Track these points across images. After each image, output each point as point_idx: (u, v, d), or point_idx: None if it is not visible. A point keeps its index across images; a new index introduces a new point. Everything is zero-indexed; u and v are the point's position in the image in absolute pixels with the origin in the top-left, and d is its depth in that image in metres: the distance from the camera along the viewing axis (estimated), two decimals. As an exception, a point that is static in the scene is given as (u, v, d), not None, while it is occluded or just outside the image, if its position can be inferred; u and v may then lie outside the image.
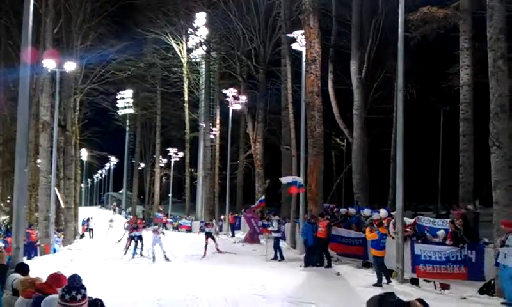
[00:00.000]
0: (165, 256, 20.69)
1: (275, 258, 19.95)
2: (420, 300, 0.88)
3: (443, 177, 35.06)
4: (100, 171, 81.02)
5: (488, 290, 13.18)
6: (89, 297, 4.05)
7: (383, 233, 15.37)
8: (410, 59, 24.25)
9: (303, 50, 22.34)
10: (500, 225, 12.62)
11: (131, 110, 56.80)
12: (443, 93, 30.20)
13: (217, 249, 22.53)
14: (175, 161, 51.81)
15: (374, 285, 14.38)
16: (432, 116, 36.71)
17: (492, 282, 13.19)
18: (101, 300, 4.33)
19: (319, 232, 17.77)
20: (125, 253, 22.35)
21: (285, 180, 22.32)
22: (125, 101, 56.57)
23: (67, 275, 4.34)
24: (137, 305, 11.21)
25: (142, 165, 57.26)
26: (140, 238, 22.56)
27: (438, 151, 36.52)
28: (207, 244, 22.06)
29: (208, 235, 22.69)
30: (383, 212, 18.19)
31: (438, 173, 36.23)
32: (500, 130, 13.15)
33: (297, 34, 22.73)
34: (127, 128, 59.97)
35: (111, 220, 42.19)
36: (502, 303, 12.02)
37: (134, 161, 58.99)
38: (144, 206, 56.90)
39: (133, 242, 22.46)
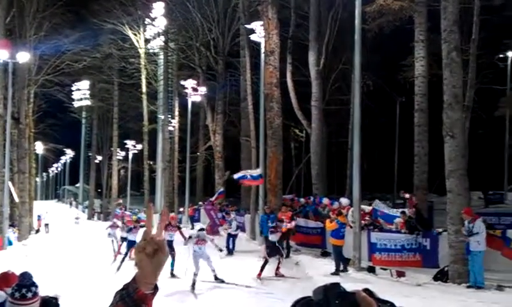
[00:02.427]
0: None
1: (229, 253, 19.59)
2: (366, 290, 0.87)
3: (399, 167, 35.79)
4: (55, 165, 79.11)
5: (441, 276, 13.57)
6: (45, 296, 3.93)
7: (343, 223, 15.60)
8: (367, 51, 24.64)
9: (262, 41, 22.33)
10: (461, 213, 13.03)
11: (87, 102, 55.57)
12: (399, 84, 30.79)
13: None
14: (133, 154, 51.08)
15: (332, 274, 14.58)
16: (388, 107, 37.36)
17: (446, 269, 13.58)
18: (56, 299, 4.20)
19: (285, 228, 17.82)
20: (114, 260, 18.08)
21: (236, 175, 22.40)
22: (81, 92, 55.29)
23: (24, 273, 4.21)
24: (96, 302, 11.00)
25: (99, 158, 56.19)
26: (134, 244, 16.16)
27: (395, 142, 37.25)
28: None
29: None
30: (344, 201, 18.47)
31: (394, 163, 36.96)
32: (454, 120, 13.49)
33: (256, 25, 22.70)
34: (83, 121, 58.70)
35: (77, 218, 41.37)
36: (468, 286, 12.43)
37: (90, 154, 57.81)
38: (101, 199, 55.93)
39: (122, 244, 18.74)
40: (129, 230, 18.24)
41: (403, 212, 16.06)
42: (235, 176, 22.67)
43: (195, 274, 13.27)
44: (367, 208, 17.89)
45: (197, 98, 35.92)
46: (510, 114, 27.88)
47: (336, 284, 1.01)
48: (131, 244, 16.70)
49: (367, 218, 16.65)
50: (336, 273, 14.72)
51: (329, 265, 15.80)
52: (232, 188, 33.90)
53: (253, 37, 23.18)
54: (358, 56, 15.74)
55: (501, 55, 29.63)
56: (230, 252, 19.70)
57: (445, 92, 13.64)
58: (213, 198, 29.96)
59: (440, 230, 15.21)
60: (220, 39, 36.29)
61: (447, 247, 13.56)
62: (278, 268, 14.71)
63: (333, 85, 30.50)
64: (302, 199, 22.12)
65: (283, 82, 26.94)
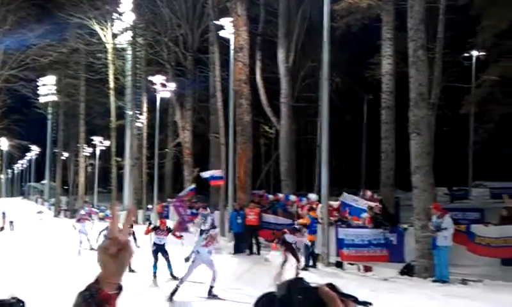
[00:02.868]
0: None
1: None
2: (329, 285, 0.88)
3: (367, 163, 36.26)
4: (21, 161, 77.42)
5: (408, 271, 13.81)
6: (11, 298, 3.83)
7: (315, 217, 15.72)
8: (335, 49, 24.81)
9: (231, 37, 22.28)
10: (426, 208, 13.29)
11: (53, 98, 54.45)
12: (367, 82, 31.15)
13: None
14: (101, 150, 50.34)
15: (302, 269, 14.68)
16: (356, 104, 37.80)
17: (412, 263, 13.83)
18: (23, 302, 4.08)
19: (251, 220, 17.89)
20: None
21: (204, 174, 22.39)
22: (47, 88, 54.09)
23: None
24: (64, 303, 10.80)
25: (66, 154, 55.24)
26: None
27: (362, 139, 37.73)
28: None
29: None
30: (312, 197, 18.61)
31: (362, 160, 37.44)
32: (419, 117, 13.73)
33: (225, 21, 22.63)
34: (49, 117, 57.52)
35: (39, 212, 40.37)
36: (434, 281, 12.67)
37: (57, 150, 56.73)
38: (68, 196, 55.00)
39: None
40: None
41: (370, 207, 16.30)
42: (203, 175, 22.60)
43: (182, 281, 11.38)
44: (335, 204, 18.09)
45: (166, 94, 35.59)
46: (474, 111, 28.50)
47: (300, 279, 1.01)
48: None
49: (335, 214, 16.84)
50: (306, 268, 14.83)
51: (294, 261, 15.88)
52: (202, 185, 33.79)
53: (222, 33, 23.10)
54: (327, 54, 15.85)
55: (466, 54, 30.26)
56: None
57: (411, 90, 13.87)
58: (182, 194, 29.77)
59: (406, 226, 15.49)
60: (189, 35, 36.07)
61: (413, 242, 13.82)
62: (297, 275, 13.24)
63: (302, 82, 30.67)
64: (271, 196, 22.20)
65: (253, 78, 26.95)
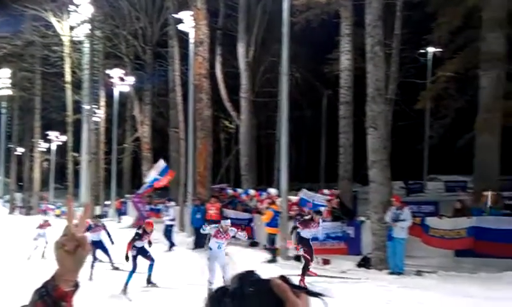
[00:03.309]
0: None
1: (171, 246, 18.61)
2: (282, 277, 0.88)
3: (326, 158, 36.67)
4: (-27, 157, 75.02)
5: (365, 263, 14.05)
6: None
7: (277, 211, 15.80)
8: (295, 44, 24.95)
9: (191, 31, 22.10)
10: (383, 202, 13.55)
11: (8, 92, 52.92)
12: (326, 77, 31.42)
13: None
14: (57, 145, 49.21)
15: (269, 261, 14.74)
16: (316, 99, 38.12)
17: (368, 256, 14.08)
18: None
19: (212, 214, 17.83)
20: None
21: (142, 189, 22.20)
22: (1, 81, 52.49)
23: None
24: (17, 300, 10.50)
25: (21, 150, 53.76)
26: (99, 244, 13.67)
27: (321, 133, 38.12)
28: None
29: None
30: (272, 191, 18.71)
31: (321, 154, 37.85)
32: (377, 112, 13.95)
33: (185, 15, 22.42)
34: (4, 111, 55.85)
35: None
36: (390, 272, 12.92)
37: (11, 146, 55.17)
38: (23, 193, 53.59)
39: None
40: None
41: (328, 200, 16.53)
42: (140, 191, 22.36)
43: (210, 283, 10.13)
44: (295, 199, 18.23)
45: (124, 88, 35.06)
46: (430, 107, 29.17)
47: (251, 272, 1.01)
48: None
49: (294, 207, 16.96)
50: (271, 261, 14.91)
51: (258, 255, 15.94)
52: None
53: (181, 27, 22.88)
54: (286, 49, 15.91)
55: (422, 51, 30.93)
56: (172, 244, 18.97)
57: (369, 85, 14.07)
58: (141, 191, 29.44)
59: (363, 219, 15.74)
60: (148, 28, 35.60)
61: (370, 235, 14.06)
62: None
63: (262, 77, 30.73)
64: (230, 191, 22.19)
65: (213, 73, 26.84)
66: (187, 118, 22.95)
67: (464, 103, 23.00)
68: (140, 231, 11.93)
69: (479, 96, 18.87)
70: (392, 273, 12.98)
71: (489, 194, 14.66)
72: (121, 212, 32.39)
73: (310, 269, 12.21)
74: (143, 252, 11.89)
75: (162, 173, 20.90)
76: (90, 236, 13.00)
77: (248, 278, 0.99)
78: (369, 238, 14.16)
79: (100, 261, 13.51)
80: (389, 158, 14.47)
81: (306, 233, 12.10)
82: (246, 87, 27.47)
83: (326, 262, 15.14)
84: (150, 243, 12.21)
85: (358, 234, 14.95)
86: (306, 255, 11.87)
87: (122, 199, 33.71)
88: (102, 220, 15.05)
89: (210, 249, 10.71)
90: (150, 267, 11.83)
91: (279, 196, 17.10)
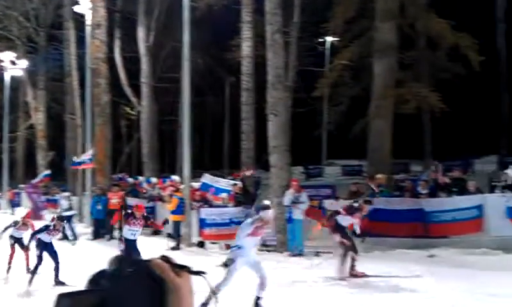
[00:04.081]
0: None
1: (74, 239, 17.99)
2: (163, 257, 0.88)
3: (229, 144, 36.94)
4: None
5: (266, 246, 14.37)
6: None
7: (182, 198, 15.70)
8: (197, 29, 24.74)
9: (87, 13, 21.23)
10: (283, 186, 13.90)
11: None
12: (228, 64, 31.55)
13: None
14: None
15: (169, 249, 14.62)
16: (219, 85, 38.20)
17: (270, 239, 14.41)
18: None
19: (114, 204, 17.35)
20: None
21: (75, 160, 21.21)
22: None
23: None
24: None
25: None
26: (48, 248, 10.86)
27: (224, 120, 38.32)
28: None
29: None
30: (176, 178, 18.57)
31: (224, 141, 38.06)
32: (277, 99, 14.25)
33: (81, -4, 21.49)
34: None
35: None
36: (291, 255, 13.30)
37: None
38: None
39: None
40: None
41: (235, 185, 16.71)
42: (35, 180, 21.31)
43: (218, 289, 7.72)
44: (198, 185, 18.23)
45: (16, 72, 33.02)
46: (327, 94, 30.25)
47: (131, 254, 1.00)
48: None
49: (198, 193, 16.96)
50: (177, 248, 14.82)
51: (162, 242, 15.78)
52: (58, 169, 32.05)
53: (77, 8, 21.89)
54: (187, 34, 15.76)
55: (321, 40, 31.93)
56: (75, 237, 17.91)
57: (269, 72, 14.33)
58: (36, 181, 28.02)
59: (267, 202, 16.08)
60: (41, 9, 33.68)
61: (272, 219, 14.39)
62: (353, 267, 10.75)
63: (163, 62, 30.25)
64: (130, 179, 21.73)
65: (111, 57, 26.01)
66: (85, 104, 22.08)
67: (359, 90, 24.09)
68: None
69: (373, 83, 19.85)
70: (293, 255, 13.39)
71: (380, 176, 15.51)
72: (14, 203, 30.61)
73: (356, 266, 10.76)
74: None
75: (90, 160, 19.97)
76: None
77: (127, 259, 0.99)
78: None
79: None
80: (289, 144, 14.86)
81: (346, 220, 10.85)
82: (146, 72, 26.91)
83: (229, 247, 15.29)
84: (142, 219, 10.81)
85: (260, 218, 15.25)
86: (344, 241, 10.60)
87: (16, 190, 31.84)
88: None
89: (240, 247, 8.25)
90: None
91: (182, 182, 17.01)
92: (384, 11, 19.13)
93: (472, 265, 10.87)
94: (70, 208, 18.96)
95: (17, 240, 11.46)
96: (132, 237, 10.48)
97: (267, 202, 9.74)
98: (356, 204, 11.42)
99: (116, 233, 17.26)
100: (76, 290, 0.95)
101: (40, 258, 10.51)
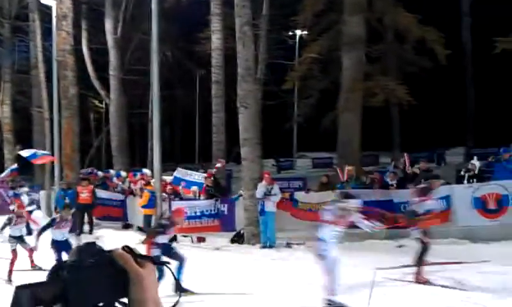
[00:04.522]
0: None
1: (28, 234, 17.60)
2: (126, 247, 0.88)
3: (201, 137, 36.83)
4: None
5: (238, 239, 14.43)
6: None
7: (153, 191, 15.59)
8: (166, 21, 24.57)
9: (53, 4, 20.79)
10: (254, 179, 13.93)
11: None
12: (198, 56, 31.40)
13: None
14: None
15: (140, 243, 14.50)
16: (189, 78, 37.98)
17: (241, 232, 14.46)
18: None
19: (84, 198, 17.11)
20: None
21: (24, 153, 20.69)
22: None
23: None
24: None
25: None
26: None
27: (195, 113, 38.15)
28: None
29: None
30: (147, 172, 18.45)
31: (196, 134, 37.91)
32: (247, 92, 14.25)
33: (47, -13, 21.03)
34: None
35: None
36: (262, 246, 13.36)
37: None
38: None
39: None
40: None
41: (206, 177, 16.69)
42: (23, 154, 20.80)
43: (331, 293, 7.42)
44: (169, 179, 18.12)
45: (-20, 64, 32.18)
46: (297, 87, 30.37)
47: (92, 243, 1.00)
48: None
49: (169, 187, 16.87)
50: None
51: (132, 236, 15.66)
52: (25, 164, 31.39)
53: (43, 0, 21.43)
54: (156, 26, 15.57)
55: (291, 33, 31.99)
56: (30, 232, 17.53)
57: (239, 65, 14.31)
58: (3, 175, 27.41)
59: (240, 192, 16.10)
60: (6, 0, 32.84)
61: (243, 212, 14.43)
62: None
63: (132, 54, 29.89)
64: (100, 173, 21.44)
65: (79, 49, 25.58)
66: (52, 97, 21.66)
67: (328, 83, 24.26)
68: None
69: (342, 77, 20.02)
70: (264, 247, 13.46)
71: (350, 168, 15.70)
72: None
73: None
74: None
75: (44, 154, 19.57)
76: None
77: (88, 250, 0.98)
78: (242, 214, 14.53)
79: None
80: (260, 137, 14.90)
81: (425, 206, 9.29)
82: (114, 64, 26.52)
83: (200, 240, 15.31)
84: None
85: (232, 211, 15.27)
86: (425, 239, 9.00)
87: (-20, 185, 31.06)
88: None
89: (326, 241, 7.66)
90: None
91: (153, 176, 16.89)
92: (353, 4, 19.29)
93: (440, 254, 11.10)
94: (31, 203, 18.72)
95: (18, 239, 10.93)
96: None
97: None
98: (426, 185, 9.77)
99: (86, 227, 17.13)
100: (35, 282, 0.94)
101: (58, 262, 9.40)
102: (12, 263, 10.64)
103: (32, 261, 11.31)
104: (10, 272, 10.44)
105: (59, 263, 0.98)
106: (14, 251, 10.82)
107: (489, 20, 28.74)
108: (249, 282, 9.70)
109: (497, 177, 13.46)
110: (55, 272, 0.96)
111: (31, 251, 11.06)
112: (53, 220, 10.74)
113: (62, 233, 10.28)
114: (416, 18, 21.55)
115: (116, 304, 0.99)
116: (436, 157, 32.05)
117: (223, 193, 16.41)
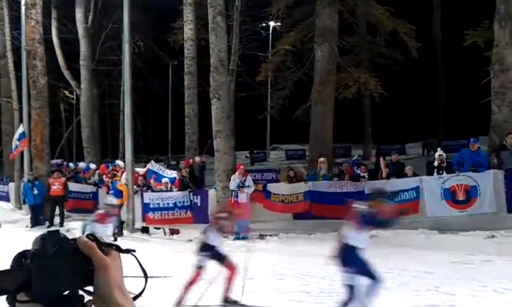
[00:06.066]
0: None
1: None
2: (90, 235, 0.88)
3: (173, 129, 36.56)
4: None
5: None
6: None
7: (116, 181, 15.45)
8: (138, 11, 24.27)
9: (22, -8, 20.34)
10: (227, 170, 13.89)
11: None
12: (171, 47, 31.09)
13: None
14: None
15: (114, 235, 14.37)
16: (162, 69, 37.61)
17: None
18: None
19: (55, 190, 16.85)
20: None
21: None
22: None
23: None
24: None
25: None
26: None
27: (168, 104, 37.83)
28: None
29: None
30: (120, 163, 18.31)
31: (168, 125, 37.62)
32: (220, 83, 14.21)
33: (14, -26, 20.55)
34: None
35: None
36: (235, 238, 13.37)
37: None
38: None
39: None
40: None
41: (180, 170, 16.60)
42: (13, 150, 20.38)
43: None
44: (142, 170, 17.99)
45: None
46: (270, 79, 30.34)
47: (55, 232, 0.98)
48: None
49: (141, 179, 16.75)
50: (120, 234, 14.58)
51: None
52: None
53: (11, -13, 20.95)
54: (127, 15, 15.39)
55: (264, 24, 31.91)
56: None
57: (212, 56, 14.25)
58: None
59: (216, 185, 16.08)
60: (-29, -13, 31.98)
61: (216, 203, 14.41)
62: None
63: (103, 44, 29.46)
64: (71, 164, 21.13)
65: (49, 38, 25.09)
66: (21, 87, 21.22)
67: (301, 75, 24.30)
68: None
69: (314, 68, 20.09)
70: (237, 238, 13.47)
71: (322, 160, 15.80)
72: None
73: None
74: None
75: (20, 137, 19.17)
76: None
77: (51, 238, 0.97)
78: (215, 206, 14.51)
79: None
80: (233, 128, 14.90)
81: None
82: (85, 54, 26.11)
83: (174, 232, 15.24)
84: None
85: (205, 203, 15.24)
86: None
87: None
88: None
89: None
90: None
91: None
92: (325, -4, 19.35)
93: (410, 244, 11.29)
94: None
95: None
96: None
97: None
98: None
99: (56, 220, 16.88)
100: None
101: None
102: None
103: None
104: None
105: (22, 251, 0.96)
106: None
107: (460, 13, 29.19)
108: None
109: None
110: (18, 260, 0.95)
111: None
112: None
113: None
114: (389, 11, 21.73)
115: (81, 291, 0.98)
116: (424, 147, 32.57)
117: (198, 185, 16.35)
